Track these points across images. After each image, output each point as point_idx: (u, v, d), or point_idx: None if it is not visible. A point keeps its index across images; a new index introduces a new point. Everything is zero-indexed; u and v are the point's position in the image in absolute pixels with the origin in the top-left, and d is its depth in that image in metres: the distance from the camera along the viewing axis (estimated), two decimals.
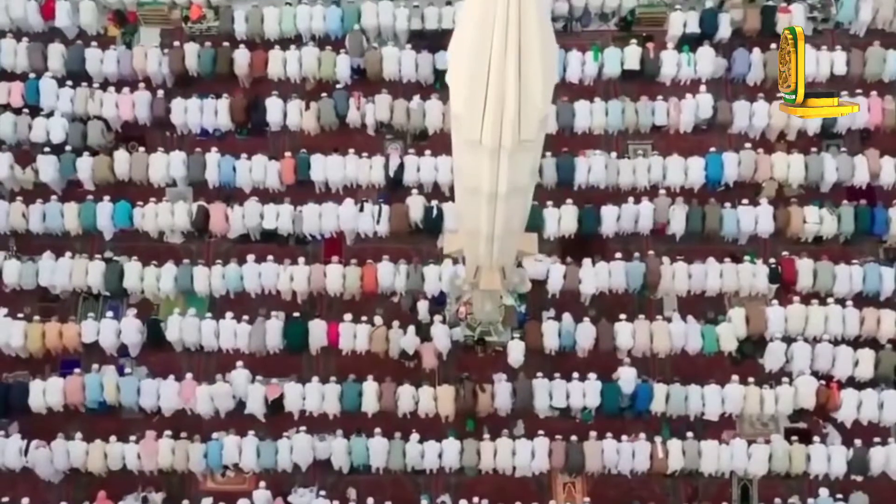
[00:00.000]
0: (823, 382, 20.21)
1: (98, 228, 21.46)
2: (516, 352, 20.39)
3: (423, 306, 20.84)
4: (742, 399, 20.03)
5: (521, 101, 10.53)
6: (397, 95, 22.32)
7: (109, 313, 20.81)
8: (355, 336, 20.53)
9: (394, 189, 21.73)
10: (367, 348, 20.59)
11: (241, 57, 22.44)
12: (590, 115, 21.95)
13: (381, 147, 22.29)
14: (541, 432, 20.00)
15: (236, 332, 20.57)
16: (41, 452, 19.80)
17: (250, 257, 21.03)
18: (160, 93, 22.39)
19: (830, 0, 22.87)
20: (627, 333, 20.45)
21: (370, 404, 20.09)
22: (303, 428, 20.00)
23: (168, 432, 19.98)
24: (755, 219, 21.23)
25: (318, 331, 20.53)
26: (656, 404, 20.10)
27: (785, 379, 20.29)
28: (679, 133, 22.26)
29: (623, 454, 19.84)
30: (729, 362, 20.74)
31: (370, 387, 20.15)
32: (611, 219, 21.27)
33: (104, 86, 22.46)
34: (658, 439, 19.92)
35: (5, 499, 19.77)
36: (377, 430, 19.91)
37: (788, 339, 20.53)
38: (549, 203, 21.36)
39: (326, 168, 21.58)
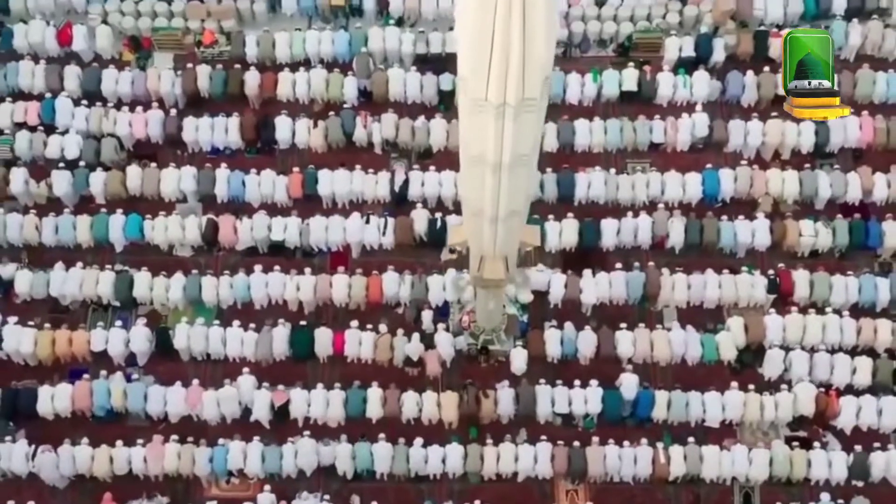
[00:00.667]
0: (822, 390, 20.48)
1: (109, 241, 21.92)
2: (519, 359, 20.69)
3: (427, 316, 21.22)
4: (742, 405, 20.26)
5: (525, 57, 11.12)
6: (402, 115, 23.01)
7: (118, 322, 21.18)
8: (360, 343, 20.85)
9: (399, 205, 22.26)
10: (371, 356, 20.90)
11: (252, 78, 23.19)
12: (589, 134, 22.60)
13: (387, 165, 22.88)
14: (543, 437, 20.20)
15: (243, 340, 20.90)
16: (47, 457, 19.96)
17: (257, 267, 21.46)
18: (173, 111, 23.08)
19: (821, 25, 23.64)
20: (628, 341, 20.79)
21: (374, 410, 20.33)
22: (307, 432, 20.19)
23: (174, 437, 20.19)
24: (752, 232, 21.73)
25: (324, 339, 20.86)
26: (658, 411, 20.33)
27: (784, 386, 20.57)
28: (676, 151, 22.86)
29: (625, 460, 19.99)
30: (729, 372, 21.01)
31: (374, 393, 20.41)
32: (611, 232, 21.75)
33: (118, 105, 23.17)
34: (660, 445, 20.10)
35: None
36: (381, 435, 20.11)
37: (786, 349, 20.87)
38: (551, 217, 21.86)
39: (333, 182, 22.14)
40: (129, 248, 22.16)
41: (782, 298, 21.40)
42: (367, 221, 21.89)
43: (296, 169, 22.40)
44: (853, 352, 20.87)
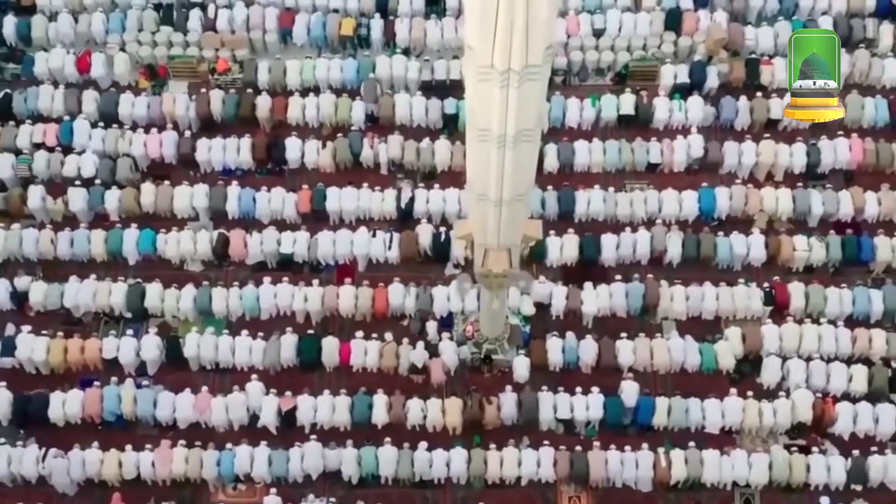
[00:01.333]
0: (820, 396, 20.88)
1: (123, 255, 22.54)
2: (522, 367, 21.17)
3: (431, 327, 21.73)
4: (741, 412, 20.68)
5: (528, 22, 11.92)
6: (408, 137, 23.83)
7: (130, 331, 21.68)
8: (366, 352, 21.32)
9: (404, 221, 22.93)
10: (377, 365, 21.34)
11: (263, 102, 24.09)
12: (588, 154, 23.41)
13: (393, 184, 23.58)
14: (546, 442, 20.53)
15: (251, 349, 21.39)
16: (58, 461, 20.27)
17: (266, 279, 22.07)
18: (187, 133, 23.91)
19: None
20: (629, 350, 21.28)
21: (380, 415, 20.71)
22: (314, 436, 20.53)
23: (182, 442, 20.52)
24: (748, 247, 22.36)
25: (331, 347, 21.34)
26: (658, 417, 20.72)
27: (782, 394, 20.99)
28: (673, 172, 23.61)
29: (627, 464, 20.32)
30: (728, 382, 21.41)
31: (380, 399, 20.84)
32: (610, 246, 22.40)
33: (134, 128, 24.00)
34: (661, 450, 20.42)
35: None
36: (387, 439, 20.45)
37: (784, 357, 21.32)
38: (552, 232, 22.49)
39: (341, 199, 22.87)
40: (141, 264, 22.76)
41: (778, 310, 21.94)
42: (374, 236, 22.53)
43: (305, 186, 23.13)
44: (849, 361, 21.31)
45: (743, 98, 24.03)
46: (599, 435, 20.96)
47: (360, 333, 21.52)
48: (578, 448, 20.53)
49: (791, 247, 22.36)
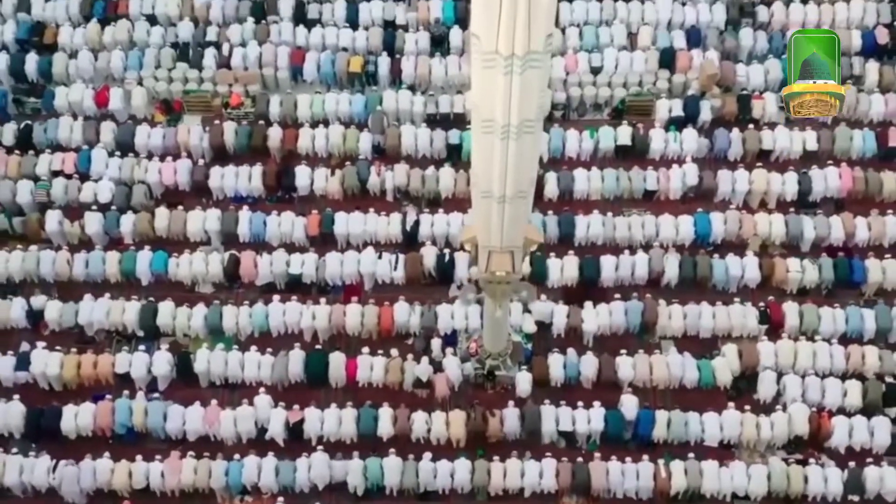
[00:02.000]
0: (815, 410, 21.35)
1: (137, 275, 23.22)
2: (524, 382, 21.68)
3: (436, 344, 22.32)
4: (739, 424, 21.15)
5: (530, 8, 12.86)
6: (413, 166, 24.73)
7: (142, 347, 22.26)
8: (372, 368, 21.86)
9: (410, 243, 23.67)
10: (383, 380, 21.85)
11: (275, 133, 25.04)
12: (587, 181, 24.26)
13: (399, 210, 24.31)
14: (548, 454, 20.94)
15: (260, 364, 21.97)
16: (68, 469, 20.70)
17: (275, 298, 22.75)
18: (200, 161, 24.81)
19: None
20: (628, 366, 21.85)
21: (385, 428, 21.16)
22: (320, 447, 20.95)
23: (191, 453, 20.94)
24: (743, 268, 23.06)
25: (337, 362, 21.89)
26: (658, 430, 21.16)
27: (778, 407, 21.47)
28: (669, 199, 24.42)
29: (628, 474, 20.73)
30: (726, 398, 21.87)
31: (385, 412, 21.32)
32: (610, 268, 23.09)
33: (150, 157, 24.90)
34: (661, 461, 20.83)
35: None
36: (392, 450, 20.88)
37: (780, 373, 21.85)
38: (552, 255, 23.23)
39: (349, 223, 23.66)
40: (153, 285, 23.40)
41: (774, 329, 22.51)
42: (380, 257, 23.26)
43: (314, 211, 23.93)
44: (843, 376, 21.82)
45: (735, 130, 24.98)
46: (600, 448, 21.37)
47: (365, 349, 22.09)
48: (580, 459, 20.93)
49: (784, 268, 23.05)
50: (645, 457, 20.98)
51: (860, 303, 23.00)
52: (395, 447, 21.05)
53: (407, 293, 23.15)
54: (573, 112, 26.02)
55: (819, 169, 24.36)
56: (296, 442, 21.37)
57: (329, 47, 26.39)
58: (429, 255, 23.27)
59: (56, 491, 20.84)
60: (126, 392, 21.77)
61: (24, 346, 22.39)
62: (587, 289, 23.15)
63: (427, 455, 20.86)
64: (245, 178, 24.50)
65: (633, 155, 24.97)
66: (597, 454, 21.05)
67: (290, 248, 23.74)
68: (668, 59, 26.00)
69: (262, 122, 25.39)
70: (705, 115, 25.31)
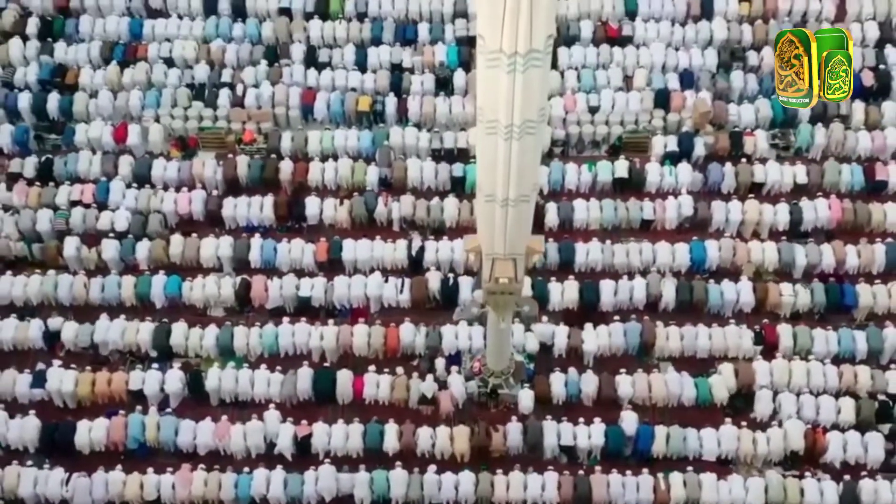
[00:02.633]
0: (810, 426, 21.92)
1: (151, 299, 24.01)
2: (526, 399, 22.30)
3: (440, 363, 22.98)
4: (736, 440, 21.71)
5: (532, 6, 13.94)
6: (419, 197, 25.70)
7: (155, 366, 22.92)
8: (378, 385, 22.50)
9: (415, 269, 24.50)
10: (389, 397, 22.46)
11: (286, 166, 26.08)
12: (587, 211, 25.20)
13: (405, 238, 25.23)
14: (550, 468, 21.47)
15: (269, 381, 22.63)
16: (81, 482, 21.21)
17: (285, 319, 23.50)
18: (214, 192, 25.80)
19: (789, 130, 26.77)
20: (628, 384, 22.51)
21: (391, 442, 21.72)
22: (328, 460, 21.46)
23: (202, 466, 21.45)
24: (737, 292, 23.84)
25: (344, 379, 22.54)
26: (657, 445, 21.70)
27: (774, 423, 22.04)
28: (665, 229, 25.33)
29: (628, 487, 21.21)
30: (723, 416, 22.45)
31: (391, 427, 21.92)
32: (609, 292, 23.88)
33: (165, 188, 25.90)
34: (660, 475, 21.33)
35: None
36: (398, 463, 21.40)
37: (775, 392, 22.47)
38: (553, 279, 24.04)
39: (356, 249, 24.52)
40: (166, 308, 24.16)
41: (768, 350, 23.20)
42: (386, 280, 24.08)
43: (323, 239, 24.82)
44: (836, 395, 22.43)
45: (728, 164, 25.99)
46: (600, 463, 21.88)
47: (372, 368, 22.76)
48: (581, 473, 21.44)
49: (778, 293, 23.82)
50: (644, 470, 21.46)
51: (852, 326, 23.71)
52: (400, 462, 21.57)
53: (412, 315, 23.88)
54: (572, 149, 27.05)
55: (809, 200, 25.30)
56: (304, 456, 21.90)
57: (339, 88, 27.56)
58: (433, 280, 24.09)
59: (69, 503, 21.30)
60: (139, 408, 22.36)
61: (41, 366, 23.03)
62: (587, 312, 23.90)
63: (432, 468, 21.37)
64: (257, 208, 25.45)
65: (630, 188, 25.94)
66: (597, 468, 21.53)
67: (300, 273, 24.56)
68: (662, 100, 27.12)
69: (273, 155, 26.44)
70: (699, 150, 26.36)
